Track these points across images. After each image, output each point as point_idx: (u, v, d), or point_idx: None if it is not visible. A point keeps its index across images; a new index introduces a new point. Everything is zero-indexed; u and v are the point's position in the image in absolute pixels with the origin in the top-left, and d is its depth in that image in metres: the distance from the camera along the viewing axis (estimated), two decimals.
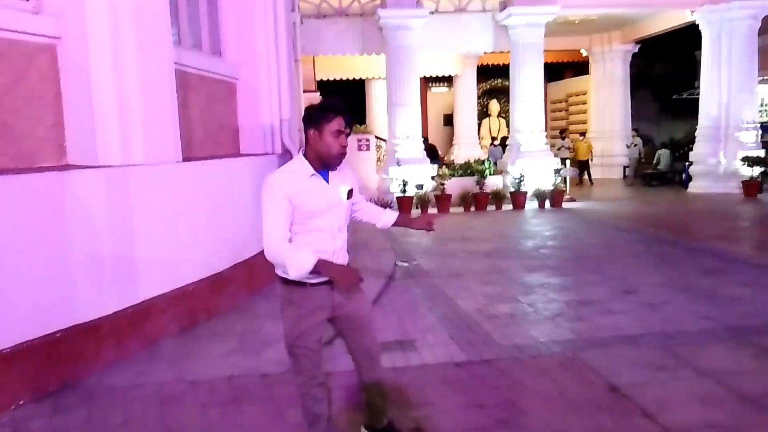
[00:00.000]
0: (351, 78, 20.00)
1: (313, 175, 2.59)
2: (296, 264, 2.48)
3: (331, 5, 14.31)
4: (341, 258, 2.71)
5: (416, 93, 14.22)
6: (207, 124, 6.54)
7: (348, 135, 2.64)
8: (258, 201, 2.64)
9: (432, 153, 16.77)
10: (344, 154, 2.61)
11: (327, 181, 2.64)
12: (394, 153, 13.97)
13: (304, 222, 2.58)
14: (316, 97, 17.41)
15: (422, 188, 13.55)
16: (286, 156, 7.83)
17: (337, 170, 2.67)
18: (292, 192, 2.53)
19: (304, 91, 16.98)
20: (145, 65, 4.75)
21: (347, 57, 16.57)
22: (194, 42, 6.74)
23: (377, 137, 17.54)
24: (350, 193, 2.72)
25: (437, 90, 24.13)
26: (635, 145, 18.57)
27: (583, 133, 18.82)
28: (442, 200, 13.45)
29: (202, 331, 4.91)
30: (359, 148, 14.24)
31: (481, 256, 8.05)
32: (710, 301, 5.38)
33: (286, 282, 2.64)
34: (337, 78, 19.72)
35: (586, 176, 18.44)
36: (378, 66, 17.50)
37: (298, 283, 2.61)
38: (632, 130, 19.04)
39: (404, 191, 13.26)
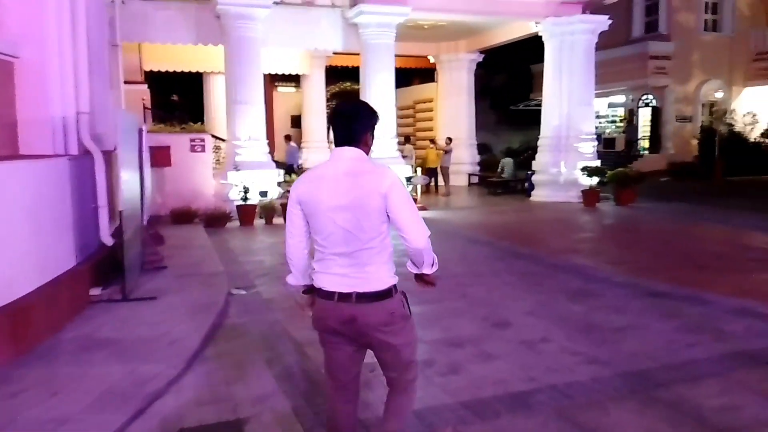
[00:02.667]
0: (187, 71, 17.96)
1: None
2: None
3: None
4: None
5: (260, 91, 12.84)
6: None
7: None
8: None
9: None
10: None
11: None
12: (234, 156, 12.49)
13: None
14: (143, 90, 15.31)
15: (266, 195, 12.24)
16: (85, 158, 6.17)
17: None
18: None
19: (127, 83, 14.80)
20: None
21: (181, 47, 14.66)
22: None
23: (216, 137, 15.83)
24: None
25: (284, 89, 22.83)
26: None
27: (433, 140, 18.55)
28: None
29: None
30: (192, 149, 12.52)
31: None
32: (590, 336, 4.78)
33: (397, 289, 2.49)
34: (170, 70, 17.59)
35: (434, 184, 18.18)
36: (218, 59, 15.75)
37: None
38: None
39: (246, 199, 11.83)
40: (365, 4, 12.98)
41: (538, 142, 15.59)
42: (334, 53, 18.03)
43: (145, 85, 15.93)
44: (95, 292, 5.63)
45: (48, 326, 4.70)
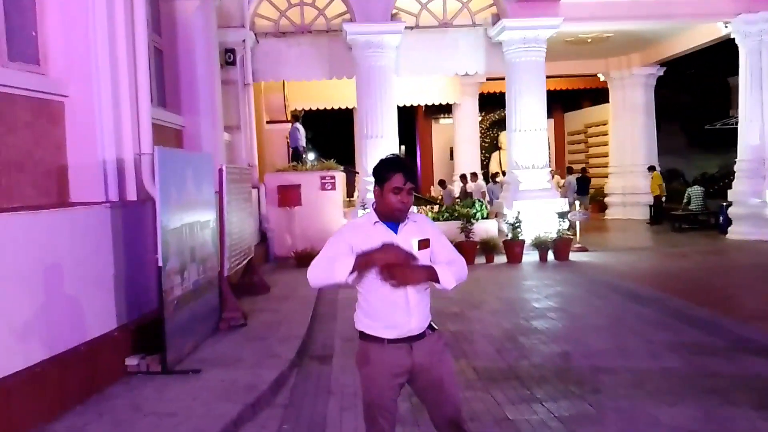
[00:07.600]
0: (336, 107, 17.76)
1: (376, 222, 2.58)
2: (337, 268, 2.46)
3: (292, 21, 12.15)
4: (418, 314, 2.58)
5: (393, 123, 11.92)
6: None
7: (410, 190, 2.55)
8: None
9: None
10: (404, 209, 2.55)
11: (396, 231, 2.58)
12: (365, 193, 11.64)
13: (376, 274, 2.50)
14: (287, 129, 15.25)
15: None
16: (145, 205, 5.52)
17: (413, 222, 2.63)
18: (355, 241, 2.53)
19: (272, 122, 14.88)
20: None
21: (330, 84, 14.42)
22: None
23: (355, 172, 15.22)
24: (424, 244, 2.58)
25: (445, 122, 21.88)
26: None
27: (652, 167, 16.03)
28: None
29: None
30: (323, 188, 11.87)
31: None
32: None
33: (363, 337, 2.63)
34: (321, 108, 17.50)
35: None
36: None
37: (375, 339, 2.57)
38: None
39: None
40: (509, 19, 11.54)
41: (735, 167, 12.70)
42: (487, 79, 16.69)
43: (290, 124, 15.93)
44: (132, 361, 4.84)
45: (40, 412, 3.90)
